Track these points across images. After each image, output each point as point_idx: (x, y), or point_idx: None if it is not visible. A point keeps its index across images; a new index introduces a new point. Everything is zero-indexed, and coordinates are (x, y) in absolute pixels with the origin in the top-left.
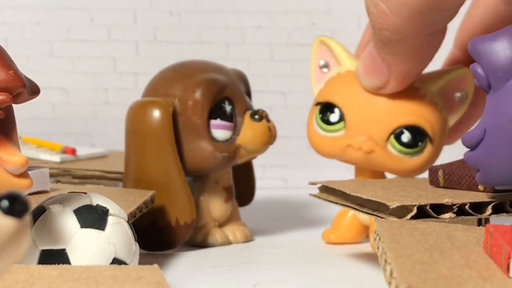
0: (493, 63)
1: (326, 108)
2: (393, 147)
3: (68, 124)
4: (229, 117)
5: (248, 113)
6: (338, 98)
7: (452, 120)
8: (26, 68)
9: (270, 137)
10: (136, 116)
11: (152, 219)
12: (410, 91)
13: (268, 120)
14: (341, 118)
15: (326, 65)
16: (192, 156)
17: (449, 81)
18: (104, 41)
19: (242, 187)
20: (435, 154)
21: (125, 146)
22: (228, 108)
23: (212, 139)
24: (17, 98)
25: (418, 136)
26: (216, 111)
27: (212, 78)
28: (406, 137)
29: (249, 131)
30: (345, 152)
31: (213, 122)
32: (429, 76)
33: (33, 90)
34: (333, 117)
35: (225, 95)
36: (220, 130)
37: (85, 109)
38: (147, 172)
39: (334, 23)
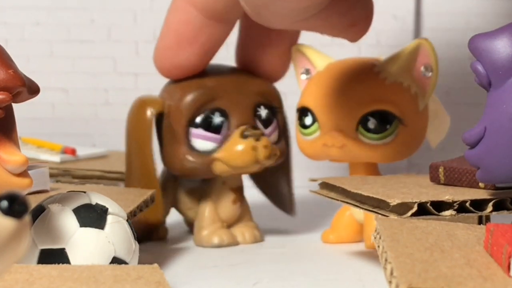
0: (494, 61)
1: (302, 113)
2: (363, 136)
3: (68, 124)
4: (215, 129)
5: (242, 128)
6: (308, 101)
7: (427, 95)
8: (26, 68)
9: (254, 156)
10: (129, 112)
11: None
12: (371, 77)
13: (258, 139)
14: (314, 120)
15: (306, 72)
16: (169, 160)
17: (408, 58)
18: (104, 41)
19: (284, 195)
20: (413, 133)
21: None
22: (217, 119)
23: (190, 147)
24: (16, 97)
25: (384, 119)
26: (201, 121)
27: (203, 87)
28: (372, 123)
29: (231, 146)
30: (324, 152)
31: (193, 130)
32: (388, 59)
33: (33, 90)
34: (307, 120)
35: (217, 106)
36: (199, 140)
37: (85, 109)
38: (130, 168)
39: None
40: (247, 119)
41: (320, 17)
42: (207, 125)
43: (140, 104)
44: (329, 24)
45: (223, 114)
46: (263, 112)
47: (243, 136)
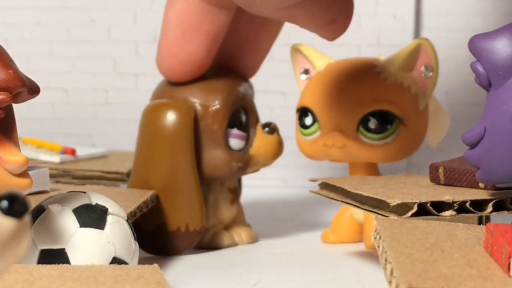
0: (494, 61)
1: (302, 113)
2: (364, 136)
3: (68, 124)
4: (244, 127)
5: (260, 124)
6: (309, 101)
7: (428, 95)
8: (26, 68)
9: (280, 151)
10: (154, 118)
11: (161, 223)
12: (372, 77)
13: (278, 134)
14: (315, 120)
15: (306, 71)
16: (207, 163)
17: (408, 58)
18: (104, 41)
19: None
20: (413, 133)
21: (136, 147)
22: (243, 118)
23: (228, 148)
24: (17, 97)
25: (385, 119)
26: (233, 120)
27: (233, 86)
28: (372, 123)
29: (262, 143)
30: (324, 152)
31: (230, 131)
32: (388, 59)
33: (33, 90)
34: (308, 120)
35: (242, 104)
36: (236, 140)
37: (85, 109)
38: (160, 175)
39: None
40: (257, 116)
41: (303, 7)
42: (239, 124)
43: (170, 109)
44: (310, 17)
45: (246, 112)
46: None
47: (266, 131)
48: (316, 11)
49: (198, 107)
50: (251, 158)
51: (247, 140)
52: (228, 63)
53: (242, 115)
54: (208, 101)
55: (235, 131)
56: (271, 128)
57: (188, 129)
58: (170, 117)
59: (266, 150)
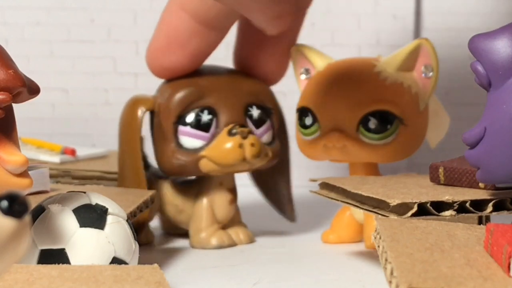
0: (494, 61)
1: (302, 113)
2: (364, 136)
3: (68, 124)
4: (204, 127)
5: (229, 126)
6: (309, 101)
7: (428, 95)
8: (26, 68)
9: (241, 154)
10: (122, 111)
11: None
12: (371, 78)
13: (245, 137)
14: (314, 120)
15: (306, 72)
16: (159, 158)
17: (408, 58)
18: (104, 41)
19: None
20: (413, 133)
21: None
22: (206, 117)
23: (178, 144)
24: (16, 97)
25: (385, 120)
26: (189, 118)
27: (193, 85)
28: (372, 123)
29: (218, 144)
30: (324, 152)
31: (181, 128)
32: (388, 59)
33: (33, 90)
34: (308, 120)
35: (206, 104)
36: (187, 138)
37: (85, 109)
38: (122, 167)
39: (334, 23)
40: (236, 118)
41: None
42: (196, 123)
43: (132, 103)
44: (260, 8)
45: (212, 112)
46: (255, 112)
47: (230, 133)
48: (266, 3)
49: (158, 102)
50: (200, 157)
51: (210, 140)
52: (249, 67)
53: (203, 114)
54: (163, 96)
55: (187, 129)
56: (237, 130)
57: (134, 121)
58: (127, 110)
59: (219, 151)
